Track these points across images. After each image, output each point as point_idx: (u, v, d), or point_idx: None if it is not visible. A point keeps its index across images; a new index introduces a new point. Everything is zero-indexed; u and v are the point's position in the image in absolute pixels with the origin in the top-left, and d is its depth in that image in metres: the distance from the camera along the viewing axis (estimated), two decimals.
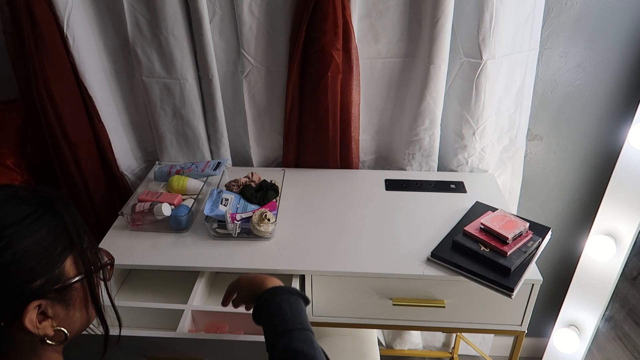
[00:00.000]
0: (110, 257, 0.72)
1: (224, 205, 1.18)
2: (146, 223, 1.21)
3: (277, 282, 0.85)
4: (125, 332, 0.88)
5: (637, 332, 1.40)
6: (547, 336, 1.74)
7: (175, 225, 1.20)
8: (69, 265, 0.62)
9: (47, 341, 0.61)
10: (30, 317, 0.58)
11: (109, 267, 0.71)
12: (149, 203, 1.21)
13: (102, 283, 0.70)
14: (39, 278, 0.59)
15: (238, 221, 1.15)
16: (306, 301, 0.82)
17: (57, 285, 0.61)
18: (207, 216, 1.16)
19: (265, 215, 1.13)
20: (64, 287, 0.61)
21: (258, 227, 1.13)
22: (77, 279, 0.63)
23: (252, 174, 1.32)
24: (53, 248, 0.60)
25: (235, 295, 0.89)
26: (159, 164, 1.44)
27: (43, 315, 0.60)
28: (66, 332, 0.63)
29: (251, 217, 1.15)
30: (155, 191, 1.30)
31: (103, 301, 0.69)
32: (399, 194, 1.36)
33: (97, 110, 1.35)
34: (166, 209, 1.19)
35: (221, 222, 1.16)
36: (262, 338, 0.94)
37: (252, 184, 1.28)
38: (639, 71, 1.34)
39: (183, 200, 1.27)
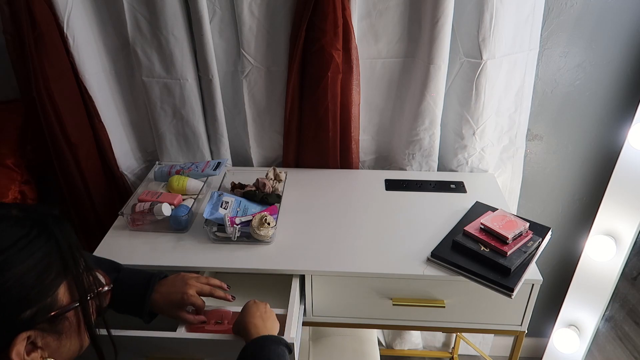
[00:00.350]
0: (108, 280, 0.69)
1: (224, 208, 1.18)
2: (146, 223, 1.21)
3: (266, 330, 0.85)
4: (125, 332, 0.88)
5: (637, 332, 1.40)
6: (547, 336, 1.74)
7: (175, 225, 1.20)
8: (62, 293, 0.59)
9: None
10: (18, 350, 0.54)
11: (107, 293, 0.67)
12: (149, 203, 1.21)
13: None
14: (30, 308, 0.55)
15: (237, 225, 1.14)
16: (290, 351, 0.82)
17: (49, 314, 0.57)
18: (206, 219, 1.16)
19: (266, 219, 1.12)
20: (57, 316, 0.58)
21: (258, 231, 1.12)
22: (70, 307, 0.60)
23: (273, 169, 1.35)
24: (46, 275, 0.57)
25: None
26: (159, 164, 1.44)
27: (32, 346, 0.57)
28: None
29: (251, 221, 1.14)
30: (155, 191, 1.30)
31: (98, 330, 0.65)
32: (399, 194, 1.36)
33: (97, 110, 1.35)
34: (166, 209, 1.19)
35: (221, 225, 1.15)
36: None
37: (257, 192, 1.28)
38: (639, 71, 1.34)
39: (183, 200, 1.27)
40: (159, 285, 0.93)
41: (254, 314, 0.88)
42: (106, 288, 0.68)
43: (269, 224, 1.12)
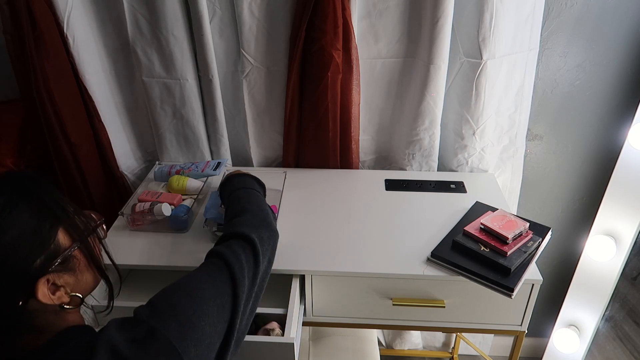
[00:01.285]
0: (100, 216, 0.76)
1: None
2: (146, 223, 1.21)
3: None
4: None
5: (637, 332, 1.40)
6: (547, 336, 1.74)
7: (175, 225, 1.20)
8: (62, 238, 0.65)
9: (66, 307, 0.65)
10: (43, 292, 0.62)
11: (101, 226, 0.75)
12: (149, 203, 1.21)
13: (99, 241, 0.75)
14: (38, 257, 0.62)
15: None
16: (263, 188, 1.07)
17: (57, 258, 0.64)
18: (206, 219, 1.16)
19: None
20: (64, 258, 0.65)
21: None
22: (73, 247, 0.66)
23: None
24: (41, 228, 0.63)
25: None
26: (159, 164, 1.44)
27: (55, 287, 0.64)
28: (80, 295, 0.68)
29: None
30: (155, 191, 1.30)
31: (103, 262, 0.74)
32: (399, 194, 1.36)
33: (97, 110, 1.35)
34: (166, 209, 1.19)
35: (221, 225, 1.15)
36: (263, 338, 0.95)
37: None
38: (639, 71, 1.34)
39: (183, 200, 1.27)
40: None
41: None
42: (99, 222, 0.75)
43: None
